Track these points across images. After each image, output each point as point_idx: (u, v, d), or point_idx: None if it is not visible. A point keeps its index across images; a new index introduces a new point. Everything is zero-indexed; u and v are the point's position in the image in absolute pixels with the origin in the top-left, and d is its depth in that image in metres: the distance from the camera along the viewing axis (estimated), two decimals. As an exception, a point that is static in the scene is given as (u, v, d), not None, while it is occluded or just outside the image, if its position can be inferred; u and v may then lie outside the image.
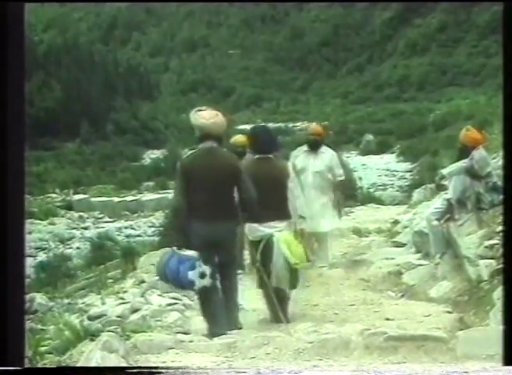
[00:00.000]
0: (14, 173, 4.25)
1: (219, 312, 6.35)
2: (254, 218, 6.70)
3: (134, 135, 68.73)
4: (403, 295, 8.38)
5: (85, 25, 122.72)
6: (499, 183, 8.06)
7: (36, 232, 32.03)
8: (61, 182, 48.92)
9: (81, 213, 40.26)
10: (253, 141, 7.25)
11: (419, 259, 9.43)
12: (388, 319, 6.69)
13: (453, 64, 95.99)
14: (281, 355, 5.40)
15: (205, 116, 6.37)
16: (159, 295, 7.61)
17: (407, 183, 41.53)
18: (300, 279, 7.14)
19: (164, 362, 5.20)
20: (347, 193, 10.67)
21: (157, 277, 7.04)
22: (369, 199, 24.82)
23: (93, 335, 5.75)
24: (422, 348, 5.37)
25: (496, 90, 42.34)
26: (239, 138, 9.74)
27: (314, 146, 9.81)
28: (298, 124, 77.08)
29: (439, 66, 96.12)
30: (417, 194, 16.66)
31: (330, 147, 10.25)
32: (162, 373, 4.34)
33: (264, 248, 6.84)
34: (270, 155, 7.07)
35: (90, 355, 4.97)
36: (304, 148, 9.86)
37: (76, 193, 45.56)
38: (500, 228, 7.27)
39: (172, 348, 5.55)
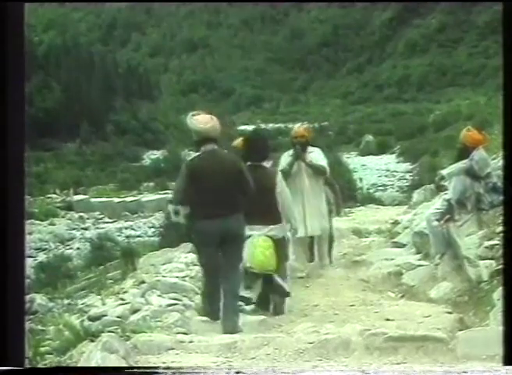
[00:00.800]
0: (14, 173, 4.26)
1: (218, 302, 6.62)
2: (270, 215, 7.17)
3: (134, 136, 68.72)
4: (403, 296, 8.37)
5: (85, 25, 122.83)
6: (499, 183, 8.06)
7: (36, 233, 32.03)
8: (61, 182, 48.91)
9: (81, 214, 40.27)
10: (246, 148, 7.47)
11: (419, 260, 9.43)
12: (388, 320, 6.69)
13: (452, 64, 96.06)
14: (281, 355, 5.41)
15: (202, 121, 6.68)
16: (159, 296, 7.62)
17: (406, 184, 41.54)
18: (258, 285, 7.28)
19: (164, 362, 5.20)
20: (339, 190, 10.49)
21: None
22: (369, 200, 24.87)
23: (93, 336, 5.74)
24: (422, 348, 5.37)
25: (496, 90, 42.32)
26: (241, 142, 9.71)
27: (301, 148, 9.53)
28: (298, 124, 77.07)
29: (439, 67, 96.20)
30: (417, 195, 16.66)
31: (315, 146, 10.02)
32: (163, 373, 4.34)
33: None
34: (261, 163, 7.41)
35: (91, 355, 4.98)
36: (291, 152, 9.59)
37: (76, 193, 45.55)
38: (500, 229, 7.28)
39: (172, 349, 5.55)
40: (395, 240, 11.62)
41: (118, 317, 6.94)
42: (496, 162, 8.94)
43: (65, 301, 12.52)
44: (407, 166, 51.81)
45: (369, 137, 64.76)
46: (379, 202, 25.01)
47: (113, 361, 4.87)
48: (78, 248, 29.06)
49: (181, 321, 6.54)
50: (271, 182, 7.37)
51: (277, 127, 73.46)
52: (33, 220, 34.07)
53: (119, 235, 31.89)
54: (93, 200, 42.90)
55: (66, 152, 61.64)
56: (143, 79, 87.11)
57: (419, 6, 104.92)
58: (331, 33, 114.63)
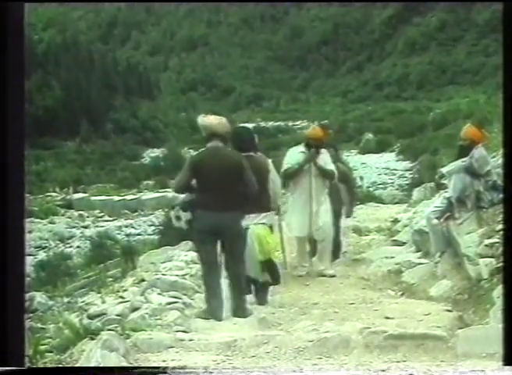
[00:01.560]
0: (14, 171, 4.26)
1: (219, 297, 6.85)
2: (260, 205, 7.32)
3: (134, 134, 68.77)
4: (403, 294, 8.37)
5: (84, 24, 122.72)
6: (499, 181, 8.06)
7: (36, 231, 32.05)
8: (61, 181, 48.95)
9: (81, 212, 40.30)
10: (234, 141, 7.52)
11: (419, 258, 9.43)
12: (388, 318, 6.68)
13: (452, 63, 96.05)
14: (281, 353, 5.41)
15: (211, 119, 7.06)
16: (159, 294, 7.60)
17: (406, 182, 41.60)
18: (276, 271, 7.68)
19: (164, 360, 5.19)
20: (346, 191, 10.41)
21: None
22: (369, 198, 24.84)
23: (93, 334, 5.74)
24: (422, 346, 5.37)
25: (496, 89, 42.37)
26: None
27: (314, 149, 9.39)
28: (298, 123, 77.19)
29: (439, 65, 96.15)
30: (416, 193, 16.68)
31: (331, 146, 9.93)
32: (164, 373, 4.34)
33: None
34: (250, 153, 7.54)
35: (91, 353, 4.97)
36: (302, 148, 9.46)
37: (75, 192, 45.59)
38: (500, 227, 7.28)
39: (172, 347, 5.54)
40: (395, 238, 11.62)
41: (118, 315, 6.94)
42: (496, 160, 8.95)
43: (65, 300, 12.53)
44: (407, 164, 51.87)
45: (369, 136, 64.85)
46: (379, 200, 25.03)
47: (113, 359, 4.87)
48: (78, 247, 29.10)
49: (181, 319, 6.53)
50: (262, 170, 7.56)
51: (277, 125, 73.56)
52: (33, 218, 34.08)
53: (118, 233, 31.93)
54: (93, 198, 42.94)
55: (66, 151, 61.71)
56: (142, 77, 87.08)
57: (419, 4, 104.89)
58: (331, 32, 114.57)
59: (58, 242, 31.41)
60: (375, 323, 6.25)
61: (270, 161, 7.98)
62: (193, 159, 7.11)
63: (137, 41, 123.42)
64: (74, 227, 36.17)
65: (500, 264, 6.48)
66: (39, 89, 62.81)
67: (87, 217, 39.33)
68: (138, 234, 31.99)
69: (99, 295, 9.14)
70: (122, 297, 8.10)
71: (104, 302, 8.11)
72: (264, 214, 7.55)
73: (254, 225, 7.43)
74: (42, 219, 36.86)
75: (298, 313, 7.32)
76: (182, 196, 7.18)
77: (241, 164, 6.97)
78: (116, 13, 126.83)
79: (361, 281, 9.22)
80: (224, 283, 7.03)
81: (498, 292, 6.16)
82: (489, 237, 7.73)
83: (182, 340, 5.70)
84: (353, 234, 12.99)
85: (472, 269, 7.60)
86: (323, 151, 9.52)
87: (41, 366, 5.45)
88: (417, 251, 9.82)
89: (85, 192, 45.35)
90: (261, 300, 7.70)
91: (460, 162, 8.57)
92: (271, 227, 7.70)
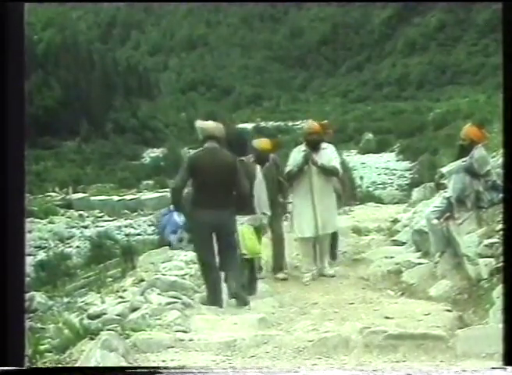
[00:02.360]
0: (14, 171, 4.26)
1: (218, 286, 7.42)
2: (246, 209, 7.77)
3: (134, 134, 68.78)
4: (402, 294, 8.37)
5: (84, 24, 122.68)
6: (499, 181, 8.06)
7: (36, 231, 32.06)
8: (60, 181, 48.97)
9: (81, 212, 40.30)
10: (227, 145, 7.76)
11: (419, 258, 9.43)
12: (387, 318, 6.68)
13: (452, 63, 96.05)
14: (280, 353, 5.41)
15: (208, 122, 7.57)
16: (159, 294, 7.60)
17: (406, 182, 41.63)
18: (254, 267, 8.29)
19: (163, 360, 5.19)
20: (347, 190, 10.35)
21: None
22: (369, 198, 24.87)
23: (92, 334, 5.74)
24: (422, 346, 5.37)
25: (496, 88, 42.38)
26: (263, 144, 9.39)
27: (314, 145, 9.21)
28: (297, 123, 77.17)
29: (439, 65, 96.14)
30: (416, 193, 16.65)
31: (329, 142, 9.65)
32: (164, 373, 4.34)
33: None
34: (241, 158, 7.96)
35: (90, 353, 4.97)
36: (303, 147, 9.30)
37: (75, 192, 45.59)
38: (500, 226, 7.28)
39: (172, 347, 5.54)
40: (394, 238, 11.62)
41: (117, 315, 6.94)
42: (496, 160, 8.95)
43: (65, 300, 12.53)
44: (407, 164, 51.90)
45: (369, 136, 64.87)
46: (379, 200, 25.05)
47: (112, 359, 4.87)
48: (77, 247, 29.09)
49: (180, 319, 6.53)
50: (250, 175, 7.96)
51: (276, 125, 73.52)
52: (32, 218, 34.07)
53: (118, 233, 31.90)
54: (92, 198, 42.95)
55: (66, 150, 61.71)
56: (142, 77, 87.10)
57: (418, 4, 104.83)
58: (330, 32, 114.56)
59: (57, 242, 31.40)
60: (374, 322, 6.25)
61: (258, 167, 8.46)
62: (191, 158, 7.48)
63: (137, 40, 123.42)
64: (74, 227, 36.16)
65: (500, 264, 6.49)
66: (39, 89, 62.81)
67: (87, 217, 39.33)
68: (138, 234, 31.95)
69: (99, 295, 9.15)
70: (121, 297, 8.10)
71: (103, 302, 8.11)
72: (248, 217, 8.00)
73: (240, 225, 7.85)
74: (42, 219, 36.85)
75: (298, 313, 7.32)
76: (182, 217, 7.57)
77: (235, 165, 7.40)
78: (116, 13, 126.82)
79: (361, 281, 9.22)
80: (221, 274, 7.49)
81: (498, 292, 6.17)
82: (489, 237, 7.73)
83: (181, 340, 5.70)
84: (353, 234, 12.99)
85: (472, 269, 7.60)
86: (324, 146, 9.35)
87: (41, 365, 5.45)
88: (417, 251, 9.81)
89: (85, 192, 45.36)
90: (251, 291, 8.16)
91: (459, 162, 8.56)
92: (256, 228, 8.17)
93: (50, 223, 36.83)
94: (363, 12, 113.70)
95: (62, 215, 39.75)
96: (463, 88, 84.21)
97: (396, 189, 40.61)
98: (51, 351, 5.92)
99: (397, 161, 55.31)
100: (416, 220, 10.75)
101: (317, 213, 9.23)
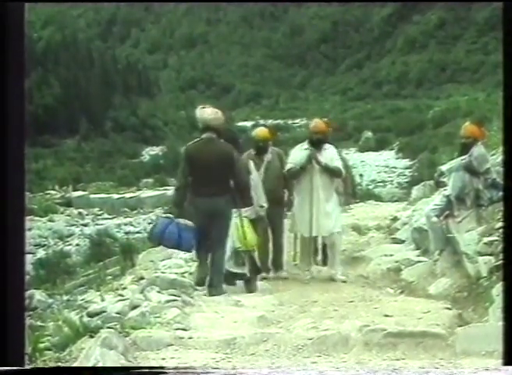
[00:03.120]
0: (14, 170, 4.26)
1: (206, 272, 7.84)
2: (244, 199, 7.91)
3: (133, 132, 68.66)
4: (402, 292, 8.37)
5: (84, 22, 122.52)
6: (498, 179, 8.07)
7: (35, 229, 32.02)
8: (60, 179, 48.89)
9: (80, 210, 40.25)
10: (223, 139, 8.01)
11: (418, 256, 9.44)
12: (387, 316, 6.68)
13: (452, 61, 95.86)
14: (280, 351, 5.41)
15: (207, 112, 7.72)
16: (158, 292, 7.60)
17: (406, 180, 41.59)
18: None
19: (163, 358, 5.19)
20: (349, 190, 10.26)
21: (148, 238, 9.15)
22: (368, 196, 24.82)
23: (92, 332, 5.74)
24: (421, 344, 5.37)
25: (495, 87, 42.32)
26: (260, 132, 9.53)
27: (318, 144, 9.12)
28: (297, 121, 77.12)
29: (438, 63, 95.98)
30: (416, 191, 16.66)
31: (331, 143, 9.53)
32: (165, 373, 4.35)
33: None
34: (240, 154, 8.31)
35: (90, 351, 4.97)
36: (305, 145, 9.20)
37: (75, 190, 45.53)
38: (499, 225, 7.29)
39: (172, 345, 5.55)
40: (394, 236, 11.63)
41: (117, 313, 6.94)
42: (495, 158, 8.96)
43: (65, 298, 12.52)
44: (406, 162, 51.83)
45: (368, 134, 64.77)
46: (378, 198, 25.01)
47: (112, 357, 4.87)
48: (77, 245, 29.03)
49: (180, 317, 6.53)
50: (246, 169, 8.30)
51: (276, 123, 73.38)
52: (32, 216, 34.03)
53: (118, 231, 31.85)
54: (92, 196, 42.89)
55: (65, 149, 61.57)
56: (142, 75, 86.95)
57: (418, 3, 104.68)
58: (330, 30, 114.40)
59: (57, 240, 31.35)
60: (374, 320, 6.25)
61: (252, 163, 8.73)
62: (188, 149, 7.84)
63: (137, 38, 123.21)
64: (73, 225, 36.10)
65: (499, 262, 6.49)
66: (38, 87, 62.67)
67: (87, 215, 39.28)
68: (137, 232, 31.89)
69: (98, 293, 9.14)
70: (121, 295, 8.10)
71: (103, 300, 8.11)
72: (245, 209, 8.06)
73: (236, 217, 7.99)
74: (41, 217, 36.80)
75: (298, 311, 7.32)
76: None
77: (232, 156, 7.68)
78: (115, 11, 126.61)
79: (361, 279, 9.22)
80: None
81: (497, 290, 6.17)
82: (488, 235, 7.75)
83: (181, 338, 5.71)
84: (353, 232, 12.98)
85: (471, 267, 7.61)
86: (327, 146, 9.25)
87: (41, 363, 5.45)
88: (417, 249, 9.82)
89: (84, 190, 45.29)
90: (250, 288, 8.30)
91: (459, 160, 8.57)
92: (253, 221, 8.27)
93: (50, 221, 36.78)
94: (362, 10, 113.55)
95: (62, 213, 39.69)
96: (462, 86, 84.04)
97: (396, 187, 40.58)
98: (50, 349, 5.92)
99: (397, 159, 55.21)
100: (416, 218, 10.75)
101: (313, 214, 9.07)
